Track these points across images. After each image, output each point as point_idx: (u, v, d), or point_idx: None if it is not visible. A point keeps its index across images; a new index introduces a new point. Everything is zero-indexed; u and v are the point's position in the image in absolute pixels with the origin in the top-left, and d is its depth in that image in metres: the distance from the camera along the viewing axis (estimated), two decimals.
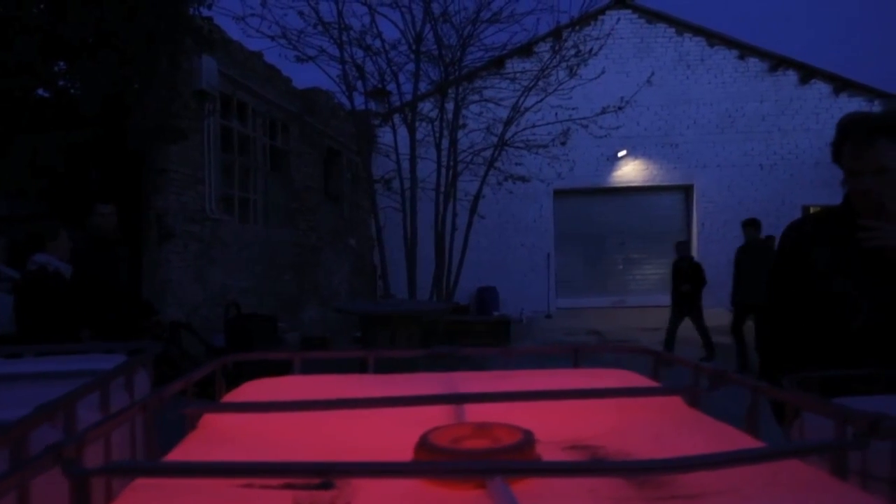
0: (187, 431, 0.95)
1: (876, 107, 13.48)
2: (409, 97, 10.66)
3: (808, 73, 14.08)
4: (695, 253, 11.73)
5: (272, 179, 9.95)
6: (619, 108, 12.10)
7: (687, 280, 8.12)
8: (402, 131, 10.46)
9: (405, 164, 10.18)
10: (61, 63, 6.04)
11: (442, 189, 10.33)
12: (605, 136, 12.73)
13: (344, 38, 9.70)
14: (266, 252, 9.35)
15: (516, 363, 1.43)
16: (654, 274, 14.25)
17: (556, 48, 10.98)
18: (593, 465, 0.78)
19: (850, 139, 1.63)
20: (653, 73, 13.74)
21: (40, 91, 6.24)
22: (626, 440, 0.90)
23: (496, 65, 12.31)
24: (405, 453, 0.77)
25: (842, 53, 38.48)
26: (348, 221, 12.73)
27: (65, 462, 0.67)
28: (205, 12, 7.03)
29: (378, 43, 10.06)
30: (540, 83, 10.86)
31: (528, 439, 0.76)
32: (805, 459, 0.75)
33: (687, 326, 8.13)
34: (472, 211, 10.65)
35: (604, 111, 11.81)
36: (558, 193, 14.32)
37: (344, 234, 12.48)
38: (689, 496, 0.68)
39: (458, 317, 11.24)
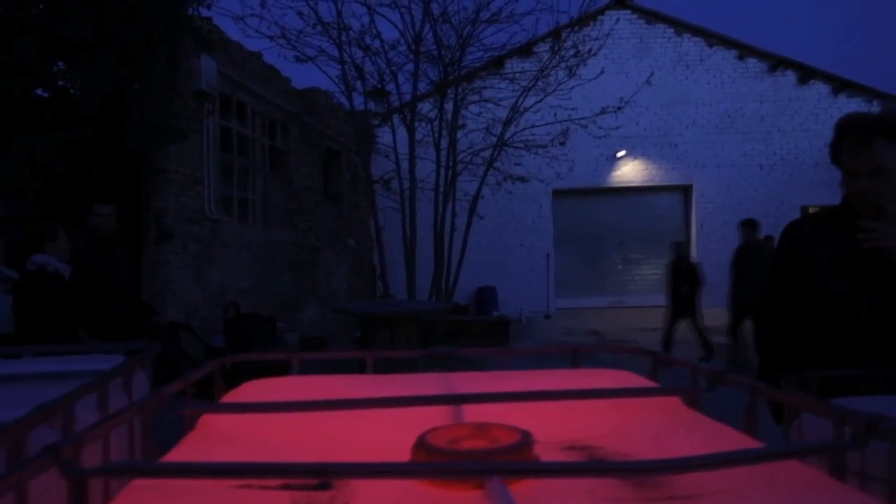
0: (186, 432, 0.95)
1: (875, 107, 13.47)
2: (408, 97, 10.67)
3: (807, 74, 14.09)
4: (694, 253, 11.73)
5: (271, 180, 9.95)
6: (619, 109, 12.08)
7: (685, 281, 8.12)
8: (402, 131, 10.45)
9: (404, 165, 10.18)
10: (61, 63, 6.05)
11: (441, 189, 10.32)
12: (605, 136, 12.71)
13: (343, 38, 9.71)
14: (265, 252, 9.35)
15: (515, 363, 1.43)
16: (653, 274, 14.24)
17: (556, 48, 10.97)
18: (591, 466, 0.78)
19: (848, 140, 1.63)
20: (652, 74, 13.73)
21: (39, 91, 6.24)
22: (625, 441, 0.90)
23: (495, 65, 12.31)
24: (403, 454, 0.77)
25: (841, 54, 38.57)
26: (347, 222, 12.73)
27: (62, 463, 0.66)
28: (204, 12, 7.04)
29: (377, 43, 10.08)
30: (539, 83, 10.85)
31: (526, 440, 0.76)
32: (803, 460, 0.75)
33: (685, 327, 8.13)
34: (472, 211, 10.65)
35: (603, 111, 11.80)
36: (557, 193, 14.32)
37: (343, 234, 12.47)
38: (688, 497, 0.68)
39: (458, 317, 11.24)
